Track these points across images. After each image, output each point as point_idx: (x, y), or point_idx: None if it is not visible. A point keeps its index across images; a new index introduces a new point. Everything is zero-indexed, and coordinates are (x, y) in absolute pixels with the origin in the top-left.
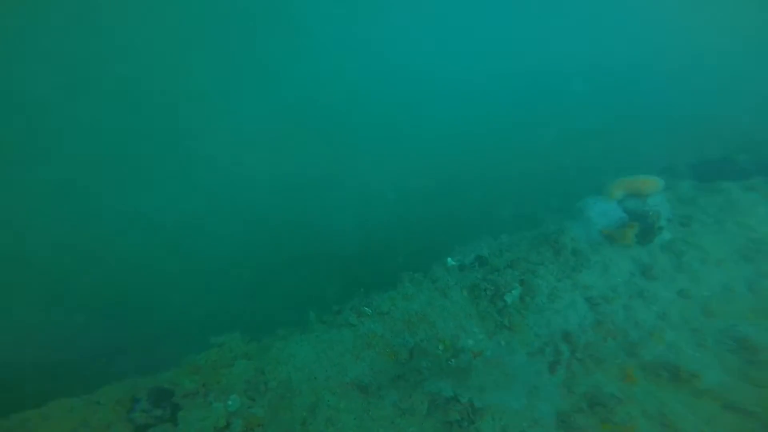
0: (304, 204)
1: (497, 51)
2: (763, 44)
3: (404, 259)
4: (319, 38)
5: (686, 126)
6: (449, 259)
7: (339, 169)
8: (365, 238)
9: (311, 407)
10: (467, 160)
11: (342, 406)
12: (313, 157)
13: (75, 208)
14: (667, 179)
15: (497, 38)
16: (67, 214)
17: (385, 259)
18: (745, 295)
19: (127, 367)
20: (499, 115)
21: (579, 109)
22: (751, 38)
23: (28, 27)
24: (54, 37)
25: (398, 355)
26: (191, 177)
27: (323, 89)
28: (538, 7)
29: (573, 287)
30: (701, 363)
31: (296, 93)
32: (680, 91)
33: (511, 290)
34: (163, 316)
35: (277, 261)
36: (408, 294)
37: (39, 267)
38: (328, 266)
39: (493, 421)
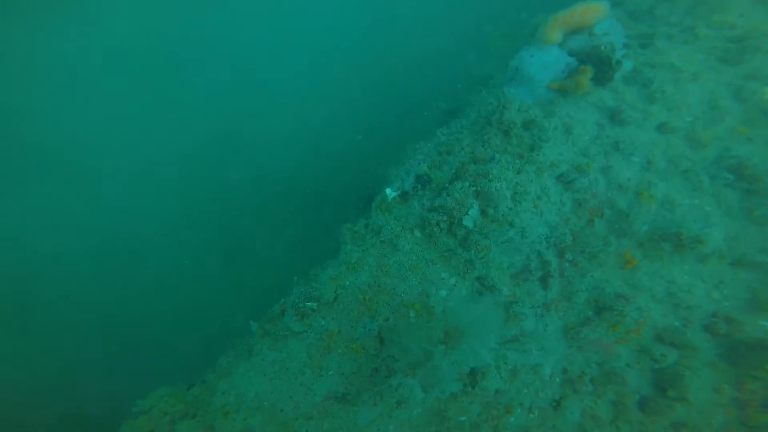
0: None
1: None
2: None
3: (335, 209)
4: None
5: None
6: (388, 191)
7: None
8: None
9: None
10: (379, 77)
11: (327, 427)
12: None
13: None
14: None
15: None
16: None
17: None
18: (732, 106)
19: None
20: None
21: None
22: None
23: None
24: None
25: (367, 348)
26: None
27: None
28: None
29: (538, 172)
30: (701, 213)
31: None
32: None
33: (467, 210)
34: None
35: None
36: (352, 262)
37: None
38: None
39: (496, 371)
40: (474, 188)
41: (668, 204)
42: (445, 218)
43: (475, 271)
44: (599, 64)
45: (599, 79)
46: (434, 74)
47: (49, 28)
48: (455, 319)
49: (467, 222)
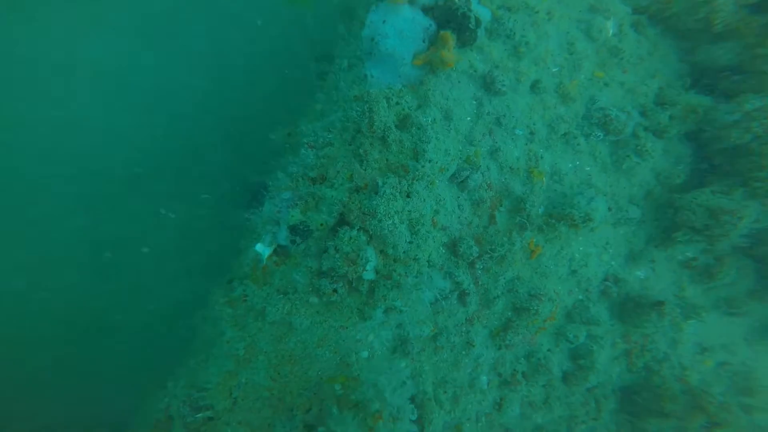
0: None
1: None
2: None
3: None
4: None
5: None
6: (258, 247)
7: None
8: None
9: None
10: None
11: None
12: None
13: None
14: None
15: None
16: None
17: None
18: (587, 48)
19: None
20: None
21: None
22: None
23: None
24: None
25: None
26: None
27: None
28: None
29: (428, 186)
30: (583, 175)
31: None
32: None
33: (364, 265)
34: None
35: None
36: (240, 355)
37: None
38: None
39: (439, 408)
40: (364, 232)
41: (556, 175)
42: (341, 283)
43: (392, 320)
44: (458, 27)
45: (462, 41)
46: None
47: None
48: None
49: (368, 276)
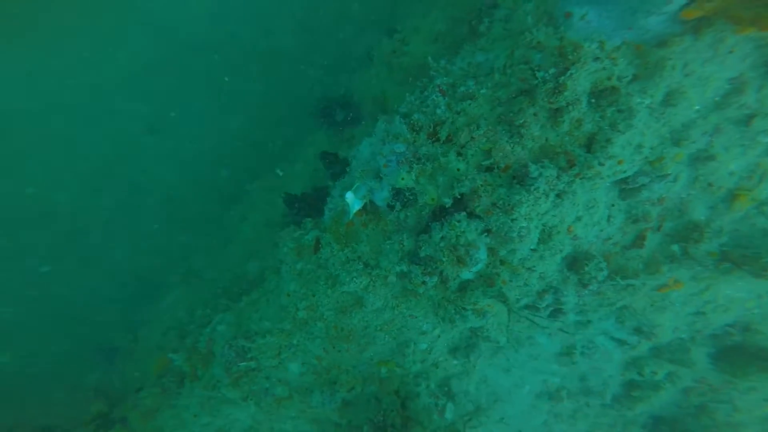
0: None
1: None
2: None
3: None
4: None
5: None
6: (348, 197)
7: None
8: None
9: None
10: None
11: None
12: None
13: None
14: None
15: None
16: None
17: None
18: None
19: None
20: None
21: None
22: None
23: None
24: None
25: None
26: None
27: None
28: None
29: (591, 187)
30: None
31: None
32: None
33: (473, 262)
34: None
35: None
36: (299, 317)
37: None
38: None
39: None
40: (484, 226)
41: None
42: (435, 279)
43: (467, 323)
44: None
45: None
46: None
47: None
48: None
49: (467, 275)
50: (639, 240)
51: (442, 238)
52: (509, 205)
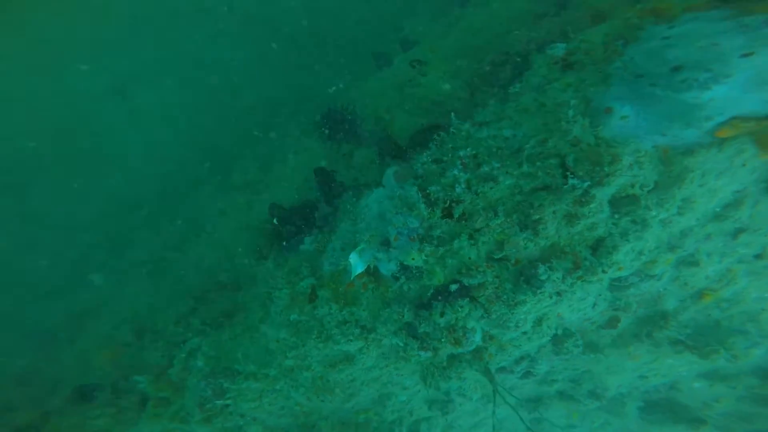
0: None
1: None
2: None
3: None
4: None
5: None
6: (353, 258)
7: None
8: None
9: None
10: None
11: None
12: None
13: None
14: None
15: None
16: None
17: None
18: None
19: None
20: None
21: None
22: None
23: None
24: None
25: None
26: None
27: None
28: None
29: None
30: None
31: None
32: None
33: (468, 344)
34: None
35: None
36: (285, 365)
37: None
38: None
39: None
40: (482, 311)
41: (727, 302)
42: (429, 353)
43: (449, 385)
44: None
45: None
46: None
47: None
48: None
49: (459, 350)
50: (614, 321)
51: (443, 318)
52: (513, 302)
